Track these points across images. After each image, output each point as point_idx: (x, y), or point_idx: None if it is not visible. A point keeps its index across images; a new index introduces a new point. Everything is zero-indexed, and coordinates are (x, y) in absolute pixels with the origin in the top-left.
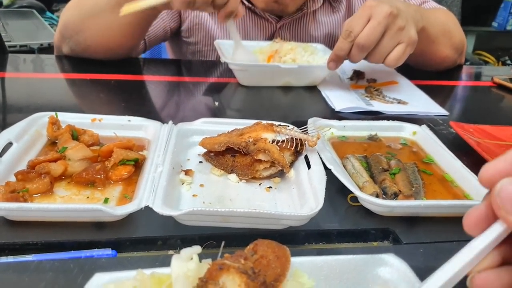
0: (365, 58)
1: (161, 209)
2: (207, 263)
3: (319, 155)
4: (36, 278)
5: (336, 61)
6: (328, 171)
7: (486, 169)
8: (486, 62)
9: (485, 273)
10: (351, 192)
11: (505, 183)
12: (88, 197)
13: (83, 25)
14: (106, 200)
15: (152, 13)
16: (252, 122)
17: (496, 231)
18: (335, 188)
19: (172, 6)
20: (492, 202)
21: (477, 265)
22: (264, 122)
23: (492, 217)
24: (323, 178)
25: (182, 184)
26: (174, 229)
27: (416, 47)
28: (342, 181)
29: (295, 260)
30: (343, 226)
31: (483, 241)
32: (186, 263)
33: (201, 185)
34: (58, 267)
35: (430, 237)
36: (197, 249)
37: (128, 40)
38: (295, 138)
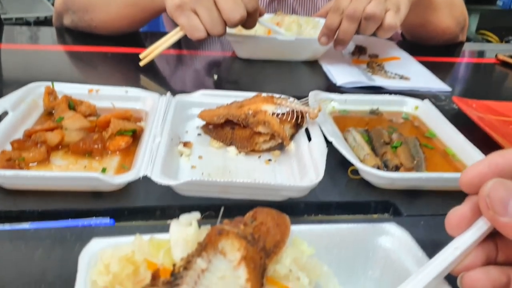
0: (358, 32)
1: (160, 179)
2: (206, 229)
3: (320, 127)
4: (33, 245)
5: (328, 35)
6: (329, 144)
7: (467, 173)
8: (490, 42)
9: (474, 272)
10: (352, 165)
11: (495, 184)
12: (85, 167)
13: (91, 6)
14: (103, 170)
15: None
16: (252, 94)
17: (480, 229)
18: (335, 162)
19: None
20: (480, 204)
21: (462, 263)
22: (264, 94)
23: (474, 217)
24: (324, 150)
25: (181, 155)
26: (172, 200)
27: (417, 16)
28: (343, 154)
29: (295, 228)
30: (343, 199)
31: (468, 239)
32: (185, 228)
33: (200, 157)
34: (55, 235)
35: (431, 210)
36: (196, 215)
37: (136, 24)
38: (296, 111)
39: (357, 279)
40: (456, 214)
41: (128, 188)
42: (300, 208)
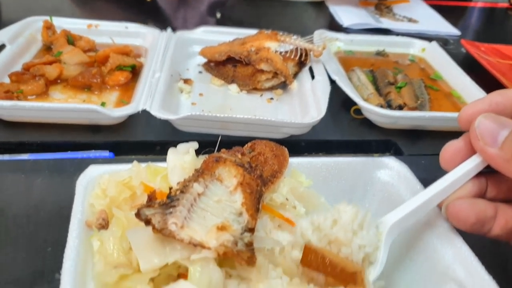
0: None
1: (159, 113)
2: (203, 158)
3: (324, 66)
4: (32, 175)
5: None
6: (332, 84)
7: (466, 110)
8: None
9: (460, 201)
10: (355, 105)
11: (484, 117)
12: (84, 101)
13: None
14: (103, 104)
15: None
16: (254, 32)
17: (472, 163)
18: (338, 102)
19: None
20: (471, 134)
21: (452, 195)
22: (267, 31)
23: (467, 153)
24: (327, 88)
25: (181, 92)
26: (172, 135)
27: None
28: (346, 92)
29: (294, 161)
30: (345, 137)
31: (459, 171)
32: (183, 155)
33: (201, 94)
34: (54, 166)
35: (432, 150)
36: (194, 144)
37: None
38: (300, 48)
39: None
40: (450, 149)
41: (128, 122)
42: (301, 146)
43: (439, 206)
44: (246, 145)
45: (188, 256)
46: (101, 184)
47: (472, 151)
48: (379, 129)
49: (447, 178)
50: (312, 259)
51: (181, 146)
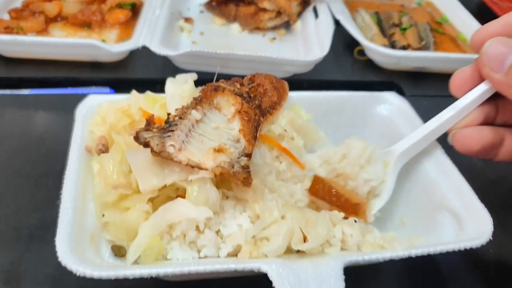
0: None
1: (159, 49)
2: (202, 88)
3: (328, 6)
4: (33, 109)
5: None
6: (336, 26)
7: (478, 32)
8: None
9: (467, 129)
10: (358, 46)
11: (493, 42)
12: (84, 38)
13: None
14: (103, 42)
15: None
16: None
17: (479, 90)
18: (342, 43)
19: None
20: (479, 60)
21: (459, 122)
22: None
23: (477, 79)
24: (331, 27)
25: (182, 31)
26: (172, 73)
27: None
28: (350, 32)
29: (294, 95)
30: (347, 78)
31: (466, 99)
32: (181, 85)
33: (202, 34)
34: (55, 100)
35: (434, 92)
36: (193, 75)
37: None
38: None
39: None
40: (460, 75)
41: (128, 59)
42: (303, 86)
43: (448, 132)
44: (245, 77)
45: (186, 177)
46: (101, 112)
47: (481, 78)
48: (382, 71)
49: (455, 106)
50: (320, 188)
51: (180, 76)
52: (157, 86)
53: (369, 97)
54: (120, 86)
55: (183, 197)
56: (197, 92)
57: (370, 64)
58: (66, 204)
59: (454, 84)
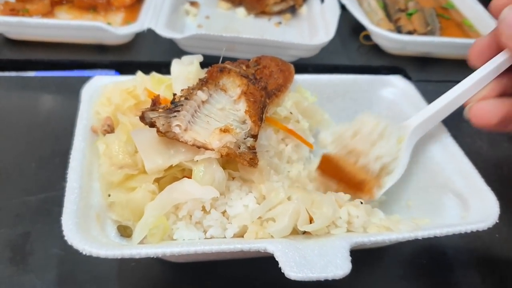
0: None
1: (164, 32)
2: (207, 70)
3: None
4: (39, 91)
5: None
6: (342, 11)
7: None
8: None
9: (483, 102)
10: (364, 30)
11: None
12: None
13: None
14: (108, 25)
15: None
16: None
17: (497, 60)
18: (347, 28)
19: None
20: (497, 28)
21: (476, 95)
22: None
23: (495, 49)
24: (337, 11)
25: (187, 15)
26: (177, 56)
27: None
28: (356, 17)
29: (299, 77)
30: (353, 63)
31: (483, 70)
32: (187, 66)
33: (207, 17)
34: (61, 83)
35: (440, 77)
36: (198, 56)
37: None
38: None
39: None
40: (478, 45)
41: (133, 42)
42: (308, 70)
43: (464, 105)
44: (251, 59)
45: (192, 158)
46: (106, 93)
47: (499, 48)
48: (387, 56)
49: (472, 77)
50: (327, 167)
51: (186, 58)
52: (162, 69)
53: (374, 80)
54: (125, 69)
55: (190, 177)
56: (202, 73)
57: (376, 49)
58: (72, 184)
59: (473, 54)
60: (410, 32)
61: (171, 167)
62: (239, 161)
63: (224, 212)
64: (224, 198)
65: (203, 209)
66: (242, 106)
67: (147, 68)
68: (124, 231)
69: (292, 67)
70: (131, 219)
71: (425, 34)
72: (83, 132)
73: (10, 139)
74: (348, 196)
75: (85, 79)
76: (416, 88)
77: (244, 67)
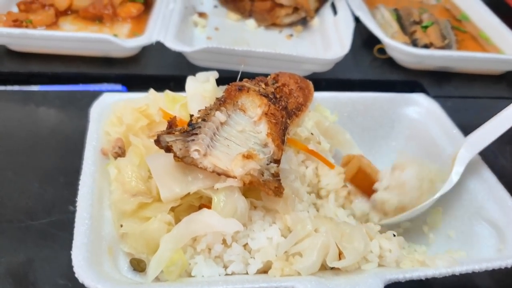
0: None
1: (174, 45)
2: (224, 88)
3: (347, 1)
4: (43, 106)
5: None
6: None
7: None
8: None
9: None
10: (378, 43)
11: None
12: (95, 32)
13: None
14: (115, 36)
15: None
16: None
17: None
18: (360, 40)
19: None
20: None
21: None
22: None
23: None
24: (351, 23)
25: (196, 26)
26: (187, 70)
27: None
28: (370, 29)
29: (318, 95)
30: (367, 77)
31: None
32: (202, 84)
33: (216, 29)
34: (66, 97)
35: (459, 92)
36: (214, 73)
37: None
38: None
39: (379, 149)
40: None
41: (141, 55)
42: (321, 85)
43: None
44: (269, 76)
45: (212, 185)
46: (117, 111)
47: None
48: (402, 70)
49: None
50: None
51: (201, 75)
52: (171, 83)
53: (396, 98)
54: (132, 82)
55: (207, 206)
56: (219, 91)
57: (390, 62)
58: (82, 213)
59: None
60: (426, 46)
61: (188, 194)
62: (264, 190)
63: (245, 245)
64: (246, 230)
65: (224, 242)
66: (263, 128)
67: (155, 82)
68: (138, 265)
69: (311, 84)
70: (145, 252)
71: (442, 47)
72: (93, 155)
73: (11, 156)
74: (378, 227)
75: (91, 94)
76: (440, 107)
77: (263, 85)
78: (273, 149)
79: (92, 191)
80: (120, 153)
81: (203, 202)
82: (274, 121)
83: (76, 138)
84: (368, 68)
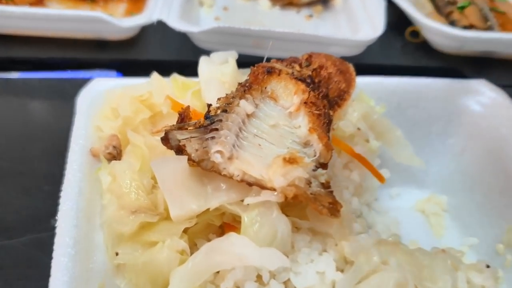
0: None
1: (178, 24)
2: (246, 72)
3: None
4: (24, 97)
5: None
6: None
7: None
8: None
9: None
10: (410, 25)
11: None
12: None
13: None
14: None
15: None
16: None
17: None
18: (390, 22)
19: None
20: None
21: None
22: None
23: None
24: (382, 2)
25: (202, 6)
26: (192, 54)
27: None
28: (403, 9)
29: (361, 81)
30: (400, 62)
31: None
32: (220, 66)
33: (225, 9)
34: (51, 87)
35: (506, 80)
36: (233, 53)
37: None
38: None
39: (431, 147)
40: None
41: (138, 38)
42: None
43: None
44: (301, 56)
45: (239, 199)
46: (111, 101)
47: None
48: (438, 55)
49: None
50: None
51: (216, 55)
52: (174, 70)
53: (454, 85)
54: (129, 69)
55: (233, 227)
56: (241, 75)
57: (424, 47)
58: (63, 238)
59: None
60: (466, 28)
61: (207, 211)
62: (315, 207)
63: (287, 281)
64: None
65: (258, 279)
66: (303, 121)
67: (155, 68)
68: None
69: (351, 67)
70: None
71: (485, 30)
72: (79, 157)
73: None
74: (463, 253)
75: (81, 82)
76: (508, 97)
77: (297, 67)
78: (319, 149)
79: (78, 206)
80: (115, 154)
81: (225, 221)
82: (317, 112)
83: (64, 136)
84: (399, 53)
